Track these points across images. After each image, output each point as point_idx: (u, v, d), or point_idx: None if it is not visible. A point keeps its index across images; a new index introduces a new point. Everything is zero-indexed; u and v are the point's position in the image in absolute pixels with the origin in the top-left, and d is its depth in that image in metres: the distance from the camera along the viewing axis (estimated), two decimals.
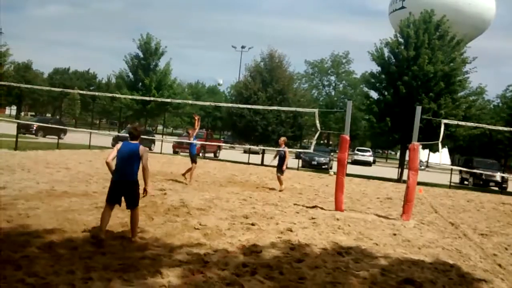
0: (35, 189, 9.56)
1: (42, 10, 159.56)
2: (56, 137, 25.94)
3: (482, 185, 26.06)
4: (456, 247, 7.90)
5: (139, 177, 6.31)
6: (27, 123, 33.30)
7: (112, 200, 6.20)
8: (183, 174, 14.16)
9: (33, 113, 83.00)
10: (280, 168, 14.29)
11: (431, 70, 22.48)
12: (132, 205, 6.28)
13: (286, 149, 14.57)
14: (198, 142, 14.75)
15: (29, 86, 27.85)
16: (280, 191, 13.86)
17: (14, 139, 19.91)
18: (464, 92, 24.73)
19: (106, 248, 5.75)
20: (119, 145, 6.27)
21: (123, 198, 6.27)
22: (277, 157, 14.81)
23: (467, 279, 5.88)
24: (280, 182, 14.26)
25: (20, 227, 6.36)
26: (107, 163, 6.25)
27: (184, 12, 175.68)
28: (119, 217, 7.58)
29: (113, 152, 6.21)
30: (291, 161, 26.57)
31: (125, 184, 6.20)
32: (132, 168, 6.20)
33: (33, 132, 31.88)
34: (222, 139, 50.96)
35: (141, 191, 6.38)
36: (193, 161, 14.08)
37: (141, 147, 6.21)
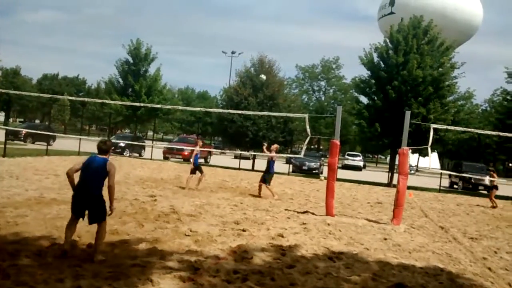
0: (23, 196, 9.47)
1: (30, 15, 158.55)
2: (45, 144, 25.75)
3: (471, 189, 26.25)
4: (446, 251, 7.94)
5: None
6: (15, 129, 32.99)
7: (75, 212, 5.80)
8: (197, 186, 14.09)
9: (21, 119, 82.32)
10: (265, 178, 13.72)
11: (420, 75, 22.66)
12: (96, 220, 5.76)
13: (275, 155, 14.05)
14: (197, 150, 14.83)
15: (17, 92, 27.61)
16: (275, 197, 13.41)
17: (2, 146, 19.73)
18: (452, 96, 24.96)
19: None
20: (84, 158, 5.91)
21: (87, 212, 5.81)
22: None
23: (457, 283, 5.91)
24: (271, 191, 13.68)
25: (9, 235, 6.30)
26: (68, 175, 5.77)
27: (175, 18, 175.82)
28: (109, 224, 7.51)
29: (77, 165, 5.81)
30: (282, 166, 26.59)
31: (87, 198, 5.70)
32: (97, 183, 5.72)
33: (22, 138, 31.59)
34: (213, 145, 50.89)
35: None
36: (200, 171, 14.31)
37: (109, 163, 5.76)
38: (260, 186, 13.87)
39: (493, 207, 17.27)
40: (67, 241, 5.71)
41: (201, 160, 30.71)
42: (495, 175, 18.19)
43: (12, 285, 4.49)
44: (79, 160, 5.95)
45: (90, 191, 5.71)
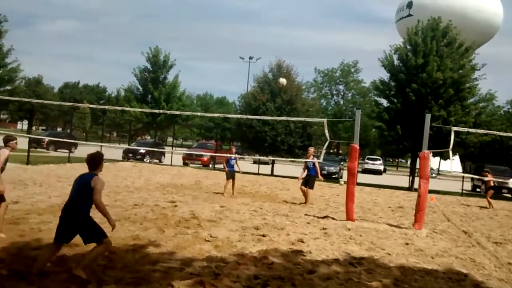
0: (47, 203, 9.63)
1: (51, 26, 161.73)
2: (67, 151, 26.16)
3: (494, 192, 25.75)
4: (469, 256, 7.81)
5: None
6: (38, 137, 33.60)
7: (58, 238, 5.25)
8: (233, 194, 14.33)
9: (44, 127, 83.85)
10: (307, 182, 13.53)
11: (440, 77, 22.42)
12: (92, 240, 5.19)
13: (315, 160, 13.70)
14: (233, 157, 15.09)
15: (40, 101, 28.15)
16: (308, 204, 13.33)
17: (26, 154, 20.11)
18: (473, 98, 24.63)
19: (118, 262, 5.76)
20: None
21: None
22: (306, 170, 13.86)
23: None
24: (308, 196, 13.54)
25: (33, 242, 6.41)
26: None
27: (192, 24, 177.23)
28: (130, 230, 7.62)
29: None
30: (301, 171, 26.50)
31: (72, 219, 5.19)
32: (83, 202, 5.19)
33: (45, 146, 32.16)
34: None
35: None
36: (233, 177, 14.43)
37: (94, 178, 5.26)
38: (304, 192, 13.64)
39: (488, 207, 17.28)
40: (36, 266, 5.08)
41: (221, 166, 30.92)
42: (490, 176, 18.02)
43: None
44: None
45: (75, 211, 5.17)
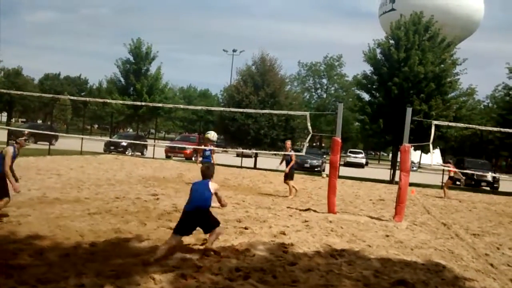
0: (26, 196, 9.49)
1: (32, 16, 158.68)
2: (48, 143, 25.82)
3: (473, 185, 26.22)
4: (448, 247, 7.94)
5: None
6: (18, 129, 33.01)
7: (181, 231, 6.14)
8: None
9: (24, 119, 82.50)
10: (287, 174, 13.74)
11: (421, 71, 22.64)
12: (211, 229, 6.27)
13: (293, 153, 14.04)
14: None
15: (19, 92, 27.69)
16: (292, 195, 13.49)
17: (5, 146, 19.76)
18: (454, 93, 24.93)
19: (99, 254, 5.72)
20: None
21: None
22: (284, 162, 14.13)
23: (460, 279, 5.91)
24: (290, 189, 13.72)
25: (12, 235, 6.32)
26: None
27: (175, 16, 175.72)
28: (111, 223, 7.57)
29: None
30: (283, 164, 26.55)
31: (200, 217, 6.22)
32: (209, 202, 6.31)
33: (25, 138, 31.63)
34: (215, 143, 50.74)
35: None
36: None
37: (211, 183, 6.41)
38: (288, 184, 13.77)
39: (443, 197, 17.76)
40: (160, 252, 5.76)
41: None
42: (452, 166, 18.50)
43: (15, 284, 4.51)
44: None
45: (204, 210, 6.25)
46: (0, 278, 4.62)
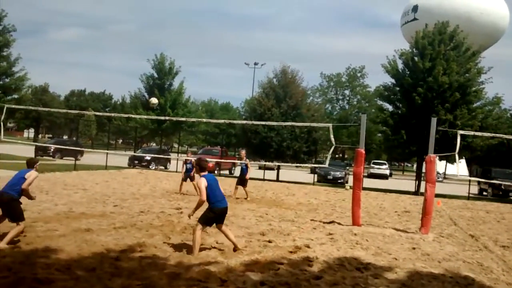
0: (53, 211, 9.67)
1: (58, 34, 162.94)
2: (73, 159, 26.26)
3: (501, 195, 25.63)
4: (477, 260, 7.76)
5: None
6: (44, 145, 33.78)
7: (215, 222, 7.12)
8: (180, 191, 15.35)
9: (50, 135, 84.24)
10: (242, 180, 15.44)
11: (446, 81, 22.36)
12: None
13: (247, 161, 15.72)
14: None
15: (46, 109, 28.37)
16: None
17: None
18: (480, 102, 24.52)
19: (124, 269, 5.77)
20: None
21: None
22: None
23: None
24: (246, 194, 15.26)
25: (40, 249, 6.43)
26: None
27: (197, 31, 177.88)
28: (136, 237, 7.63)
29: None
30: (307, 176, 26.42)
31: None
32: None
33: (51, 154, 32.29)
34: (237, 156, 50.91)
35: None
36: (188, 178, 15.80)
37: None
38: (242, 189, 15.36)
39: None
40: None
41: (226, 172, 30.93)
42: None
43: None
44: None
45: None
46: None
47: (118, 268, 5.78)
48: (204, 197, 6.74)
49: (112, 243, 7.05)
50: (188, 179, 15.79)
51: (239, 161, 16.44)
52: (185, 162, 16.31)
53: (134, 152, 33.35)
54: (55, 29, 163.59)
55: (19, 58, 28.95)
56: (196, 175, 7.36)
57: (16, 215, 6.72)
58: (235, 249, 7.04)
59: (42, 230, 7.66)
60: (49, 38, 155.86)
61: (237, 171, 32.28)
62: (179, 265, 6.13)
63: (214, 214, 6.87)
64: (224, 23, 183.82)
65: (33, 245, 6.61)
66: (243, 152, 16.32)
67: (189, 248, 7.04)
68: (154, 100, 9.69)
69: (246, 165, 15.50)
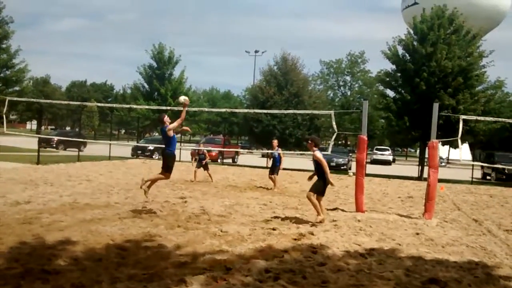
0: (58, 202, 9.72)
1: (58, 25, 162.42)
2: (77, 150, 26.33)
3: (505, 179, 25.64)
4: (480, 244, 7.79)
5: None
6: (47, 137, 33.85)
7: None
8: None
9: (53, 127, 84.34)
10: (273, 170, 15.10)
11: (448, 65, 22.25)
12: None
13: (280, 151, 15.52)
14: None
15: (48, 101, 28.41)
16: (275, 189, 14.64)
17: (36, 154, 20.28)
18: (482, 86, 24.44)
19: (130, 259, 5.82)
20: None
21: None
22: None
23: (494, 277, 5.79)
24: (274, 183, 14.93)
25: (46, 240, 6.48)
26: None
27: (196, 19, 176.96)
28: (141, 227, 7.68)
29: None
30: (310, 163, 26.43)
31: None
32: None
33: (54, 145, 32.40)
34: (240, 144, 50.81)
35: None
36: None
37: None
38: (273, 179, 15.05)
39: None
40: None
41: (229, 160, 30.96)
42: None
43: None
44: None
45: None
46: (37, 283, 4.74)
47: (124, 258, 5.82)
48: (327, 167, 9.08)
49: (118, 233, 7.10)
50: (202, 168, 16.34)
51: (271, 151, 16.24)
52: (198, 153, 16.95)
53: (137, 142, 33.40)
54: (54, 20, 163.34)
55: (19, 50, 28.95)
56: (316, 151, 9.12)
57: None
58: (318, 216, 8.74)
59: (48, 221, 7.71)
60: (48, 29, 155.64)
61: (242, 160, 32.31)
62: (184, 254, 6.18)
63: (325, 185, 8.81)
64: (223, 10, 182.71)
65: (40, 237, 6.66)
66: (275, 142, 15.70)
67: (195, 237, 7.10)
68: (181, 99, 9.65)
69: (279, 155, 15.23)
